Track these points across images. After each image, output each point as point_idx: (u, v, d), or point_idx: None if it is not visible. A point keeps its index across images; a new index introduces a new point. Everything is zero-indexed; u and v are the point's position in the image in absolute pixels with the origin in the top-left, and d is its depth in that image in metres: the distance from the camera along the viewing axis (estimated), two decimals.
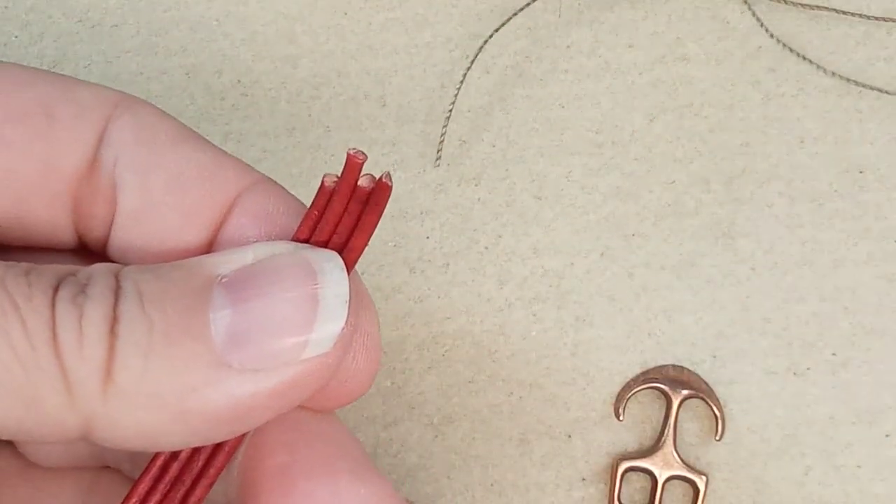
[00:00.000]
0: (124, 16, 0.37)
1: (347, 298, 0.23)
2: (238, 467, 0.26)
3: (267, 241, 0.24)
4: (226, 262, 0.23)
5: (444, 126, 0.35)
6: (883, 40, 0.37)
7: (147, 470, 0.24)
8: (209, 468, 0.24)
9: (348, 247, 0.24)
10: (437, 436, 0.34)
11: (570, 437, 0.34)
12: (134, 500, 0.23)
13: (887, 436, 0.34)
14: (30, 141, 0.24)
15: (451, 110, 0.35)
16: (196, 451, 0.24)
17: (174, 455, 0.24)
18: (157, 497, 0.23)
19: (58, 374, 0.21)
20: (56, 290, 0.21)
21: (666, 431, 0.33)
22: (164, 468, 0.23)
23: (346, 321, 0.23)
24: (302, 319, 0.22)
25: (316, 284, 0.23)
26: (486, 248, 0.35)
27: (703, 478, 0.33)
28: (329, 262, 0.23)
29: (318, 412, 0.26)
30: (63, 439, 0.22)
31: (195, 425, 0.22)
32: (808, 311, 0.35)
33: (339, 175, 0.24)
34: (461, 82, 0.36)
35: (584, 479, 0.34)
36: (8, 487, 0.29)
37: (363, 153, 0.23)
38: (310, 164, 0.36)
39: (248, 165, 0.25)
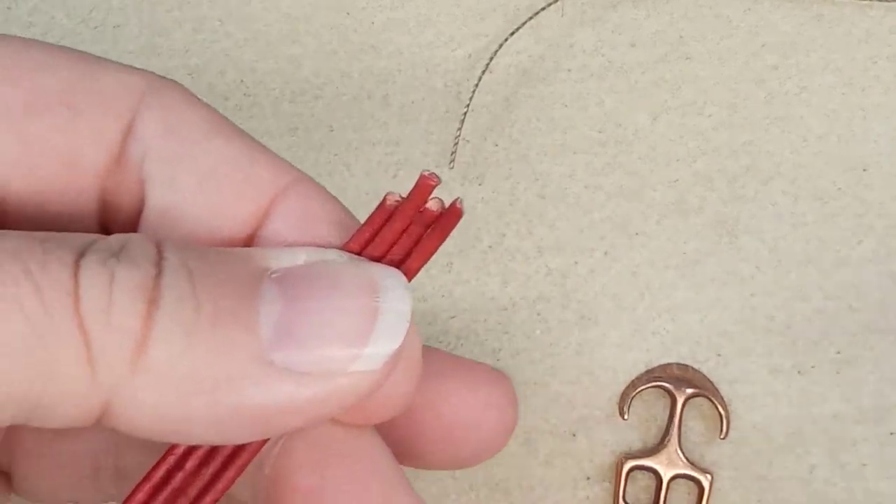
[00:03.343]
0: (127, 16, 0.37)
1: (409, 318, 0.22)
2: (266, 482, 0.25)
3: (315, 247, 0.23)
4: (275, 258, 0.22)
5: (459, 129, 0.35)
6: (885, 37, 0.36)
7: (161, 462, 0.23)
8: (226, 471, 0.23)
9: (403, 267, 0.23)
10: None
11: (574, 435, 0.34)
12: (146, 488, 0.23)
13: (892, 434, 0.34)
14: (51, 136, 0.23)
15: (465, 113, 0.35)
16: (213, 451, 0.23)
17: (190, 451, 0.23)
18: (169, 490, 0.23)
19: (79, 342, 0.20)
20: (81, 255, 0.20)
21: (670, 430, 0.33)
22: (179, 463, 0.23)
23: (403, 341, 0.22)
24: (359, 331, 0.21)
25: (377, 298, 0.22)
26: (490, 246, 0.35)
27: (708, 476, 0.33)
28: (392, 279, 0.22)
29: (352, 427, 0.25)
30: (79, 421, 0.20)
31: (223, 419, 0.21)
32: (813, 308, 0.34)
33: (406, 195, 0.23)
34: (475, 86, 0.36)
35: (588, 478, 0.34)
36: (32, 432, 0.28)
37: (437, 176, 0.23)
38: (313, 164, 0.36)
39: (285, 162, 0.24)
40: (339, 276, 0.22)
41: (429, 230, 0.23)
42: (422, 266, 0.23)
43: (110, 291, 0.20)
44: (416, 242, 0.23)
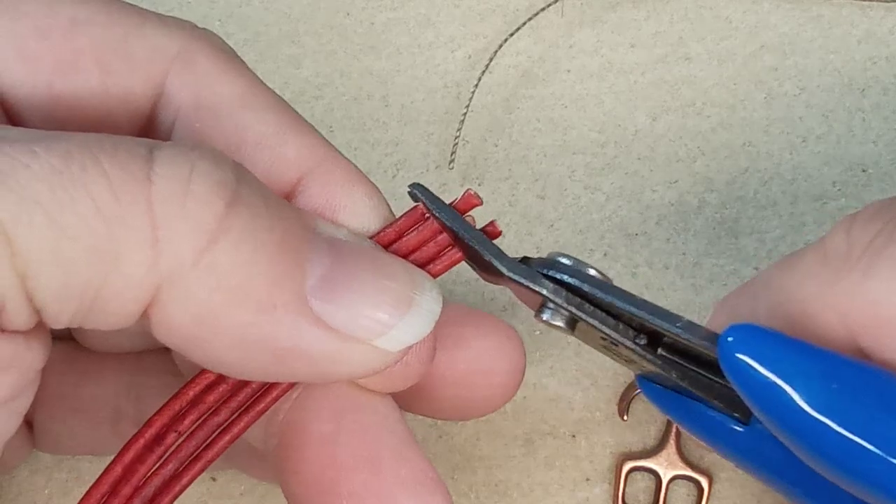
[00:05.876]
0: None
1: (435, 319, 0.23)
2: (279, 427, 0.25)
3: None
4: (320, 222, 0.23)
5: (459, 129, 0.35)
6: (884, 38, 0.37)
7: (191, 383, 0.23)
8: (249, 412, 0.24)
9: (425, 270, 0.24)
10: (441, 436, 0.34)
11: (574, 437, 0.34)
12: (175, 407, 0.23)
13: None
14: (81, 95, 0.23)
15: (465, 114, 0.35)
16: (243, 385, 0.24)
17: (219, 380, 0.23)
18: (197, 412, 0.23)
19: (146, 226, 0.20)
20: (155, 147, 0.20)
21: (670, 431, 0.33)
22: (208, 389, 0.23)
23: (426, 337, 0.23)
24: (394, 311, 0.22)
25: (416, 292, 0.23)
26: None
27: (708, 478, 0.33)
28: (430, 281, 0.23)
29: (369, 390, 0.26)
30: (128, 316, 0.20)
31: (251, 342, 0.21)
32: None
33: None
34: (475, 86, 0.36)
35: (588, 480, 0.33)
36: (55, 374, 0.28)
37: (480, 197, 0.24)
38: None
39: (316, 137, 0.25)
40: (385, 259, 0.23)
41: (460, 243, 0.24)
42: (442, 273, 0.24)
43: (189, 181, 0.20)
44: (441, 252, 0.24)
